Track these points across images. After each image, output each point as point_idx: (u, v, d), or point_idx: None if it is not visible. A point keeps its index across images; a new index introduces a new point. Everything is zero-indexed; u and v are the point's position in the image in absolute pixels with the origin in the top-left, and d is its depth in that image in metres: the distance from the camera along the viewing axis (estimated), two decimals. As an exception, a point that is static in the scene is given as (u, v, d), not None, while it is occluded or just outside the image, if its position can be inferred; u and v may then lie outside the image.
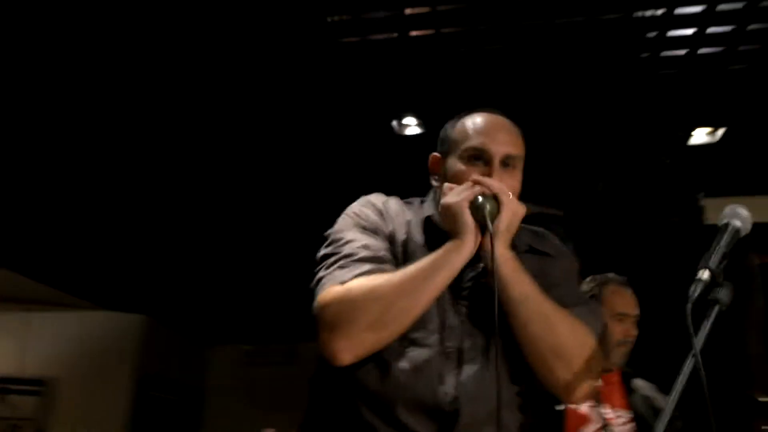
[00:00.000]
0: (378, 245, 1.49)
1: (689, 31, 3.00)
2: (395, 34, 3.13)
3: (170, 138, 3.75)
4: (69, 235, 4.53)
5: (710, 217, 4.41)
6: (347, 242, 1.49)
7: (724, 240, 1.19)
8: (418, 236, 1.52)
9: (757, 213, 3.90)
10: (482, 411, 1.39)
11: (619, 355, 2.32)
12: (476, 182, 1.43)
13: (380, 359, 1.42)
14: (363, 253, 1.45)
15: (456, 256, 1.39)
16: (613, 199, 4.46)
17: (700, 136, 3.89)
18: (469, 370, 1.41)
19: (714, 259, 1.15)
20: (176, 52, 3.16)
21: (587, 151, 4.01)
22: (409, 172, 3.92)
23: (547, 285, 1.49)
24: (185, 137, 3.77)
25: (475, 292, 1.46)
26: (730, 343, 4.48)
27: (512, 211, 1.41)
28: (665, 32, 3.00)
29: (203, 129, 3.73)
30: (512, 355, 1.43)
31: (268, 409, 5.64)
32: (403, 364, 1.41)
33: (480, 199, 1.40)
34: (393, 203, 1.60)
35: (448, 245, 1.41)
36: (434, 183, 1.60)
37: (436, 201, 1.55)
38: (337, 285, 1.41)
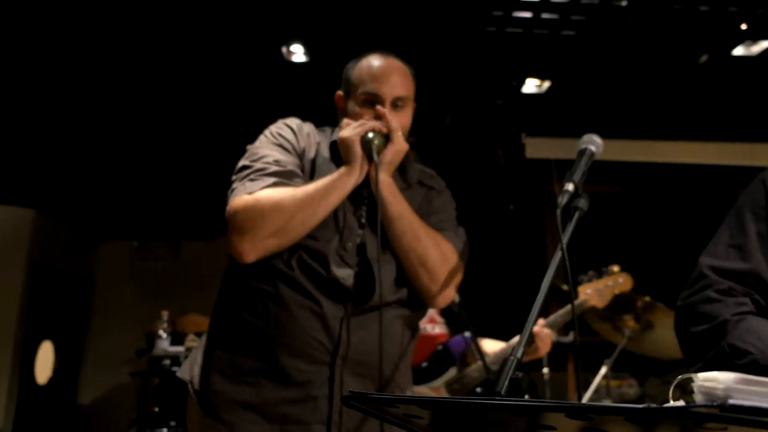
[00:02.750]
0: (288, 160, 1.50)
1: (536, -3, 3.08)
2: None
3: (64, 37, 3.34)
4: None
5: (529, 152, 4.69)
6: (261, 157, 1.49)
7: (584, 160, 1.24)
8: (325, 154, 1.55)
9: (566, 152, 4.18)
10: (370, 299, 1.44)
11: None
12: (366, 121, 1.46)
13: (291, 251, 1.43)
14: (273, 168, 1.46)
15: (346, 179, 1.44)
16: (457, 131, 4.60)
17: (530, 86, 4.06)
18: (362, 265, 1.45)
19: (577, 175, 1.20)
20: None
21: (440, 90, 4.07)
22: (296, 97, 3.82)
23: (429, 211, 1.59)
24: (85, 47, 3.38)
25: (371, 206, 1.50)
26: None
27: (396, 147, 1.46)
28: (517, -5, 3.06)
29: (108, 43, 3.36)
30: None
31: (154, 298, 5.43)
32: (308, 256, 1.43)
33: (369, 135, 1.45)
34: (306, 126, 1.60)
35: (340, 170, 1.46)
36: (340, 117, 1.60)
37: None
38: (246, 195, 1.41)
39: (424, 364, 2.34)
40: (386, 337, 1.44)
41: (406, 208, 1.47)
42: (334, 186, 1.43)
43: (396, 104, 1.51)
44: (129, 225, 5.79)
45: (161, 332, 3.67)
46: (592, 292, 2.44)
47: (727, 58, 3.54)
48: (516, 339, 2.33)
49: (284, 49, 3.45)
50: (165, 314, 3.78)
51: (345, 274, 1.43)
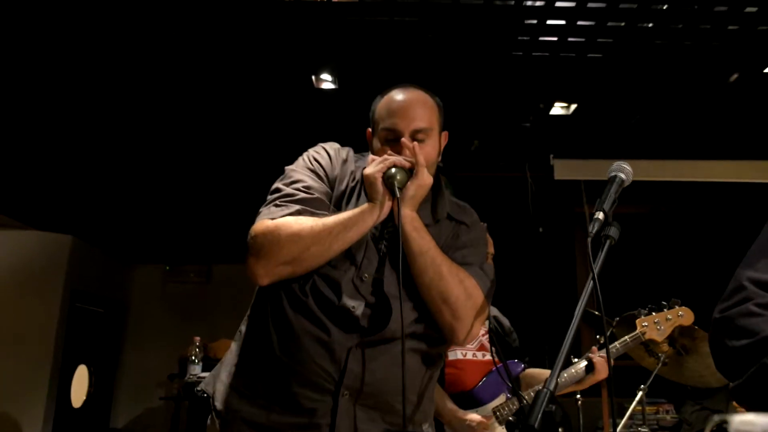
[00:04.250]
0: (318, 187, 1.52)
1: (562, 22, 3.09)
2: None
3: (99, 64, 3.45)
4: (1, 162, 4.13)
5: (558, 174, 4.66)
6: (293, 181, 1.51)
7: (613, 188, 1.24)
8: (358, 185, 1.56)
9: (595, 173, 4.12)
10: (385, 330, 1.43)
11: None
12: (388, 157, 1.47)
13: (307, 277, 1.45)
14: (301, 195, 1.48)
15: (368, 216, 1.45)
16: (483, 154, 4.60)
17: (557, 108, 4.05)
18: (377, 298, 1.45)
19: (606, 204, 1.20)
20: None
21: (467, 114, 4.09)
22: (325, 123, 3.88)
23: (455, 245, 1.57)
24: (113, 68, 3.49)
25: (393, 240, 1.50)
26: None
27: (419, 181, 1.45)
28: (544, 20, 3.07)
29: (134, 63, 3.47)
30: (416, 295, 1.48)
31: (185, 321, 5.51)
32: (323, 283, 1.45)
33: (392, 170, 1.45)
34: (345, 152, 1.62)
35: (363, 207, 1.46)
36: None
37: None
38: (268, 220, 1.43)
39: (475, 389, 2.35)
40: (400, 371, 1.42)
41: (428, 244, 1.46)
42: (354, 222, 1.43)
43: (416, 137, 1.50)
44: (161, 248, 5.89)
45: (193, 357, 3.70)
46: (649, 325, 2.48)
47: (759, 76, 3.49)
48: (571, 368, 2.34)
49: (314, 77, 3.52)
50: (197, 340, 3.83)
51: (356, 304, 1.42)
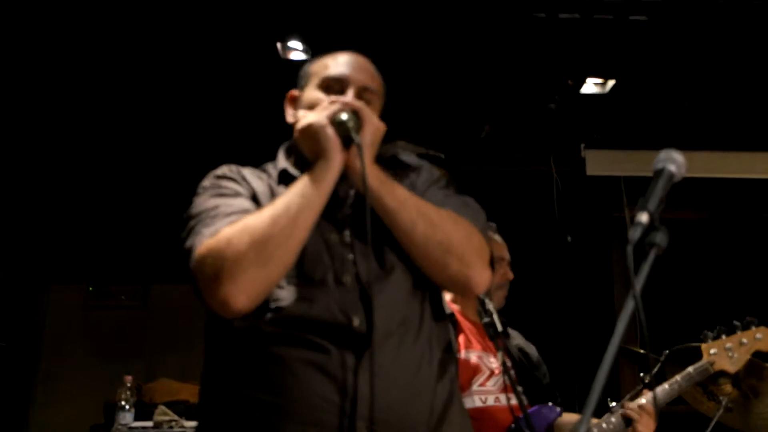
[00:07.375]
0: (240, 203, 1.54)
1: (595, -26, 3.12)
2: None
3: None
4: None
5: (591, 169, 4.69)
6: (206, 209, 1.53)
7: (660, 184, 1.24)
8: (280, 191, 1.58)
9: (638, 167, 4.16)
10: (388, 332, 1.46)
11: (498, 298, 2.58)
12: (334, 102, 1.54)
13: (278, 301, 1.45)
14: (229, 210, 1.51)
15: (325, 173, 1.48)
16: (497, 143, 4.63)
17: (589, 85, 4.08)
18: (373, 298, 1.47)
19: (652, 203, 1.21)
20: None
21: (475, 93, 4.11)
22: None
23: (421, 192, 1.63)
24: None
25: (357, 218, 1.54)
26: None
27: (374, 125, 1.53)
28: (571, -27, 3.11)
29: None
30: (410, 268, 1.54)
31: (116, 356, 5.47)
32: (304, 303, 1.45)
33: (343, 116, 1.49)
34: (246, 171, 1.67)
35: (314, 166, 1.49)
36: (290, 119, 1.68)
37: (288, 150, 1.67)
38: (207, 238, 1.44)
39: None
40: (413, 374, 1.45)
41: (404, 192, 1.52)
42: (310, 186, 1.46)
43: (362, 96, 1.60)
44: (83, 264, 5.85)
45: (123, 403, 3.68)
46: (719, 352, 2.44)
47: None
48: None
49: (279, 45, 3.53)
50: (128, 380, 3.79)
51: (357, 319, 1.44)
